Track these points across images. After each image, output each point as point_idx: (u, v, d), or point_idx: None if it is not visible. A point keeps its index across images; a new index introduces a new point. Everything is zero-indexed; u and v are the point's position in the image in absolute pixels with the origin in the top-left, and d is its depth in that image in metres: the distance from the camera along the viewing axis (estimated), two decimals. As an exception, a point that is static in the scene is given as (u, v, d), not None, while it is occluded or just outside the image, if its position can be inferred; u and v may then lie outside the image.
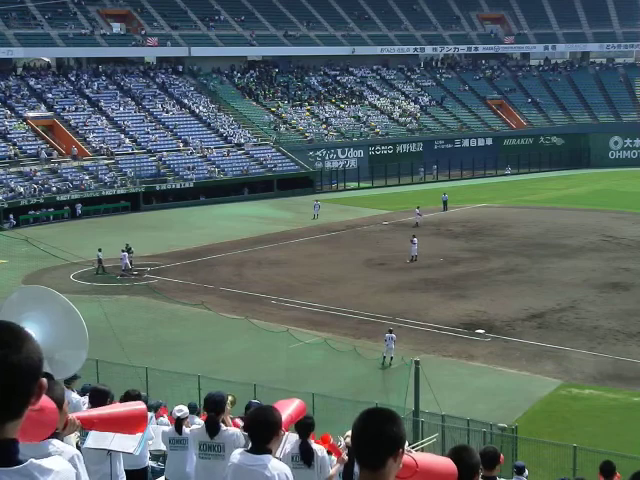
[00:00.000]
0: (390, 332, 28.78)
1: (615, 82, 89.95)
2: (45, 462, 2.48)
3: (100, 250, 40.61)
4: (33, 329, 3.89)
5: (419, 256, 42.85)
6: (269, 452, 5.29)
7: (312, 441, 8.63)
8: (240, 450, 5.59)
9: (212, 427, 7.46)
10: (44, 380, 2.46)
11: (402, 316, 33.50)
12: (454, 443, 18.70)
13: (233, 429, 7.68)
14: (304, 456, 8.19)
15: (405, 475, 3.29)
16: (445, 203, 58.39)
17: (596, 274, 39.77)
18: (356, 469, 8.09)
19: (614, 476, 9.95)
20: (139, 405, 4.95)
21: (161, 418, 12.73)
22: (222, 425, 7.61)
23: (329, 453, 8.92)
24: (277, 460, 5.61)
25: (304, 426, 8.27)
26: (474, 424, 20.80)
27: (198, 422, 12.58)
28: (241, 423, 8.66)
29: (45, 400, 3.55)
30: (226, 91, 78.50)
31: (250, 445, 5.42)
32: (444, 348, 30.08)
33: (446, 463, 3.79)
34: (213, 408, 7.49)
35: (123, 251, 41.51)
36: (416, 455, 3.51)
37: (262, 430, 5.22)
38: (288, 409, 6.59)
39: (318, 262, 43.49)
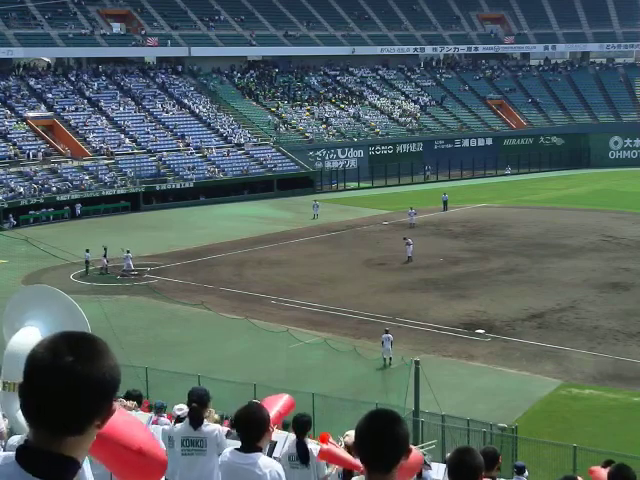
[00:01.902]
0: (386, 332, 28.55)
1: (615, 82, 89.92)
2: None
3: (87, 251, 40.52)
4: (39, 328, 3.88)
5: (418, 256, 42.82)
6: (259, 450, 5.30)
7: (309, 439, 8.60)
8: (230, 449, 5.59)
9: (196, 418, 7.44)
10: (116, 405, 2.23)
11: (402, 316, 33.48)
12: (454, 443, 18.72)
13: (214, 425, 7.68)
14: (301, 455, 8.17)
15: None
16: (445, 203, 58.35)
17: (596, 274, 39.76)
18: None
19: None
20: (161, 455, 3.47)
21: (161, 418, 12.73)
22: (205, 420, 7.63)
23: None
24: (268, 458, 5.62)
25: (300, 424, 8.23)
26: (474, 424, 20.78)
27: (166, 422, 12.56)
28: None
29: (153, 448, 3.26)
30: (226, 91, 78.46)
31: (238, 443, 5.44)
32: (444, 348, 30.07)
33: (415, 452, 3.78)
34: (196, 400, 7.48)
35: (128, 252, 41.46)
36: None
37: (251, 429, 5.25)
38: (276, 405, 6.63)
39: (318, 262, 43.48)
